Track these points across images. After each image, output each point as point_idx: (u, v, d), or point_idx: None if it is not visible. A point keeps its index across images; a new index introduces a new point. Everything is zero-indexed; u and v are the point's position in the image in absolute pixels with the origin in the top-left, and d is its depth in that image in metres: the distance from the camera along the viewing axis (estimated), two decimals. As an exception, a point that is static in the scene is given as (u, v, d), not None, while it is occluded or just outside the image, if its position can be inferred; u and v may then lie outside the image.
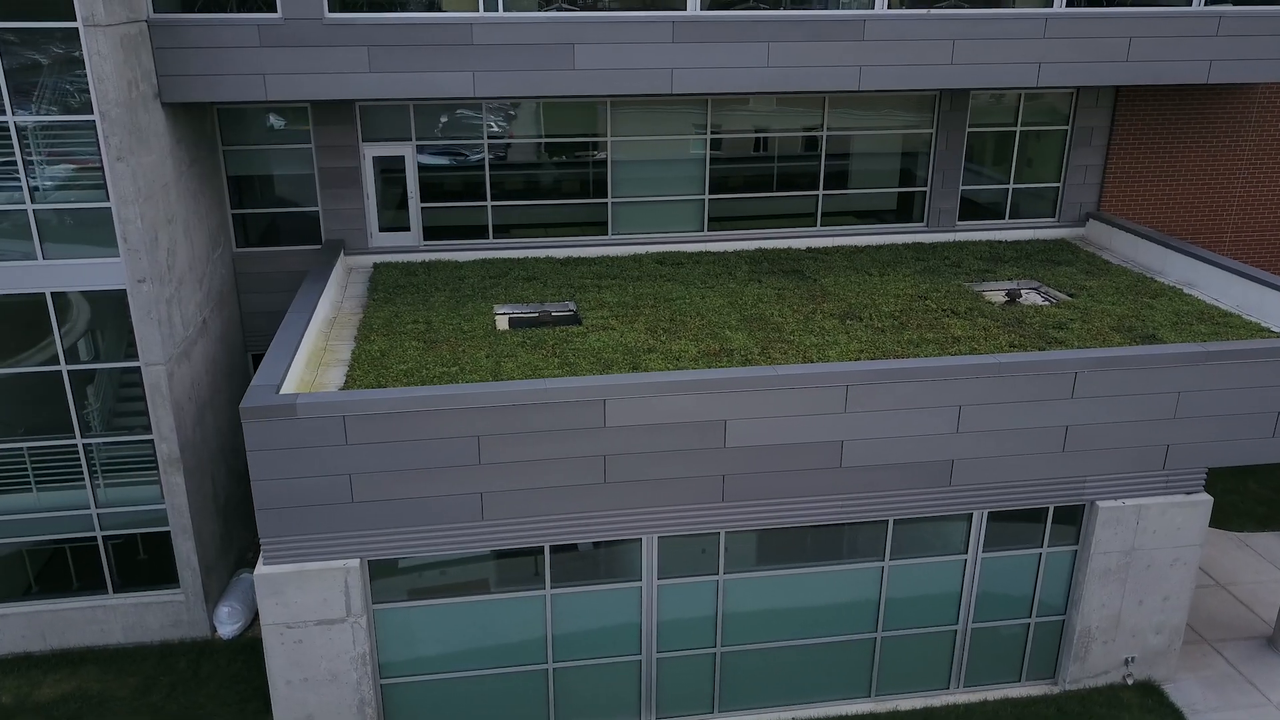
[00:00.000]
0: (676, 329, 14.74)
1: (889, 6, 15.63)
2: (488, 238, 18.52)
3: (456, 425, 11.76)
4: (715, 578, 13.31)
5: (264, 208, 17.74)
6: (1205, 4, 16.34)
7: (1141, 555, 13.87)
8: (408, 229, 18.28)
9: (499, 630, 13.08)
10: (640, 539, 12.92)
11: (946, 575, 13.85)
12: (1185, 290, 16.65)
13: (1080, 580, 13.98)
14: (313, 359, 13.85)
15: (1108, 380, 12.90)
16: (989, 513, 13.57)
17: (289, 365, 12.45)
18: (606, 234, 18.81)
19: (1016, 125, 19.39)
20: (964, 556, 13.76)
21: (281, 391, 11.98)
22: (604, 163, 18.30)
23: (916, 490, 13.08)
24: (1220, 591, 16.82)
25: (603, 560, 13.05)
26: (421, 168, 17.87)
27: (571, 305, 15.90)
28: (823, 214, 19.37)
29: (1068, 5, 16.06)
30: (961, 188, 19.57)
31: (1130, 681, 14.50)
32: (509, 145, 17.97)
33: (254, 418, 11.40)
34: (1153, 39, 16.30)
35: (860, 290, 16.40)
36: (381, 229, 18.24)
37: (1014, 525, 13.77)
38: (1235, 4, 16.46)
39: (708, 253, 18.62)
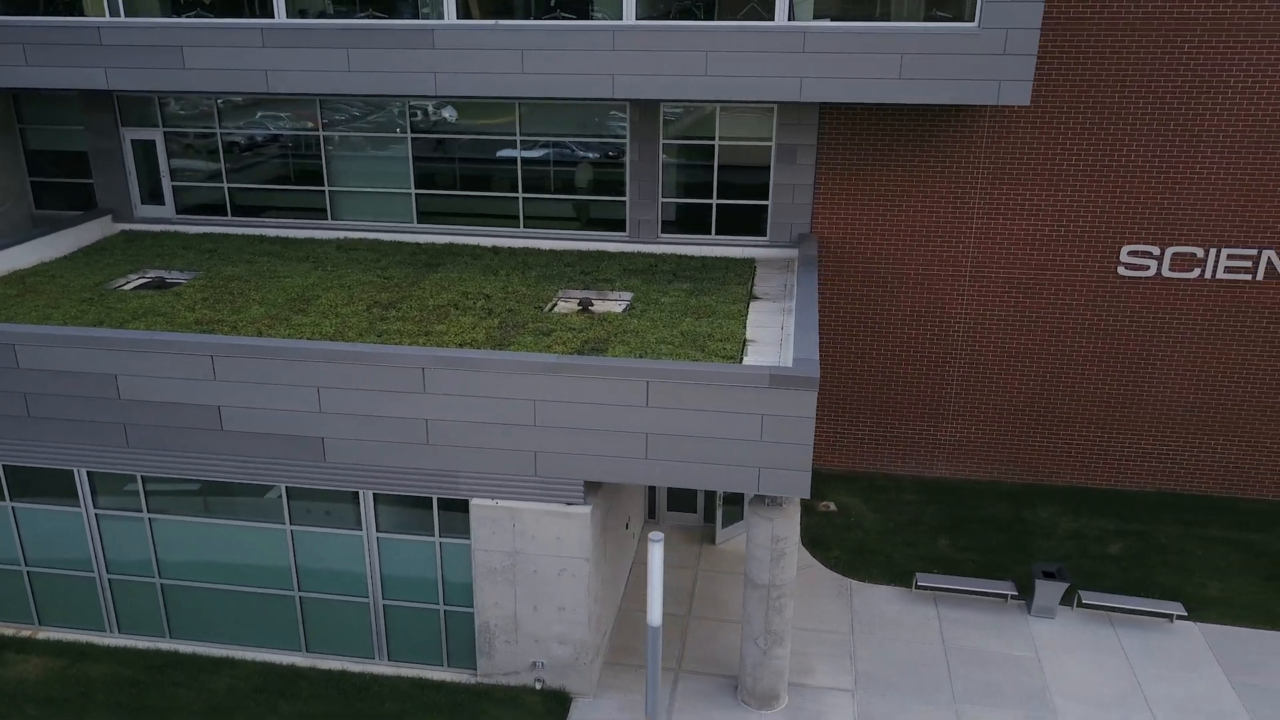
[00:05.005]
0: (233, 301, 16.54)
1: (459, 16, 16.43)
2: (227, 215, 21.07)
3: (-93, 352, 14.45)
4: (141, 515, 15.10)
5: (56, 177, 21.37)
6: (789, 19, 15.67)
7: (526, 560, 14.01)
8: (164, 204, 21.23)
9: (-19, 531, 15.69)
10: (72, 470, 15.00)
11: (348, 549, 14.73)
12: (761, 316, 16.08)
13: (473, 576, 14.36)
14: (-58, 297, 17.05)
15: (457, 379, 13.31)
16: (376, 494, 14.33)
17: None
18: (327, 219, 20.75)
19: (715, 139, 19.14)
20: (360, 533, 14.59)
21: None
22: (319, 154, 20.26)
23: (296, 461, 14.15)
24: (760, 630, 16.05)
25: (50, 486, 15.24)
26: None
27: (192, 274, 18.08)
28: (525, 216, 20.14)
29: (639, 19, 16.03)
30: (664, 200, 19.60)
31: (540, 686, 14.58)
32: (256, 133, 20.43)
33: None
34: (732, 54, 15.88)
35: (449, 286, 17.29)
36: (144, 202, 21.32)
37: (408, 511, 14.41)
38: (833, 19, 15.64)
39: (405, 243, 20.04)
